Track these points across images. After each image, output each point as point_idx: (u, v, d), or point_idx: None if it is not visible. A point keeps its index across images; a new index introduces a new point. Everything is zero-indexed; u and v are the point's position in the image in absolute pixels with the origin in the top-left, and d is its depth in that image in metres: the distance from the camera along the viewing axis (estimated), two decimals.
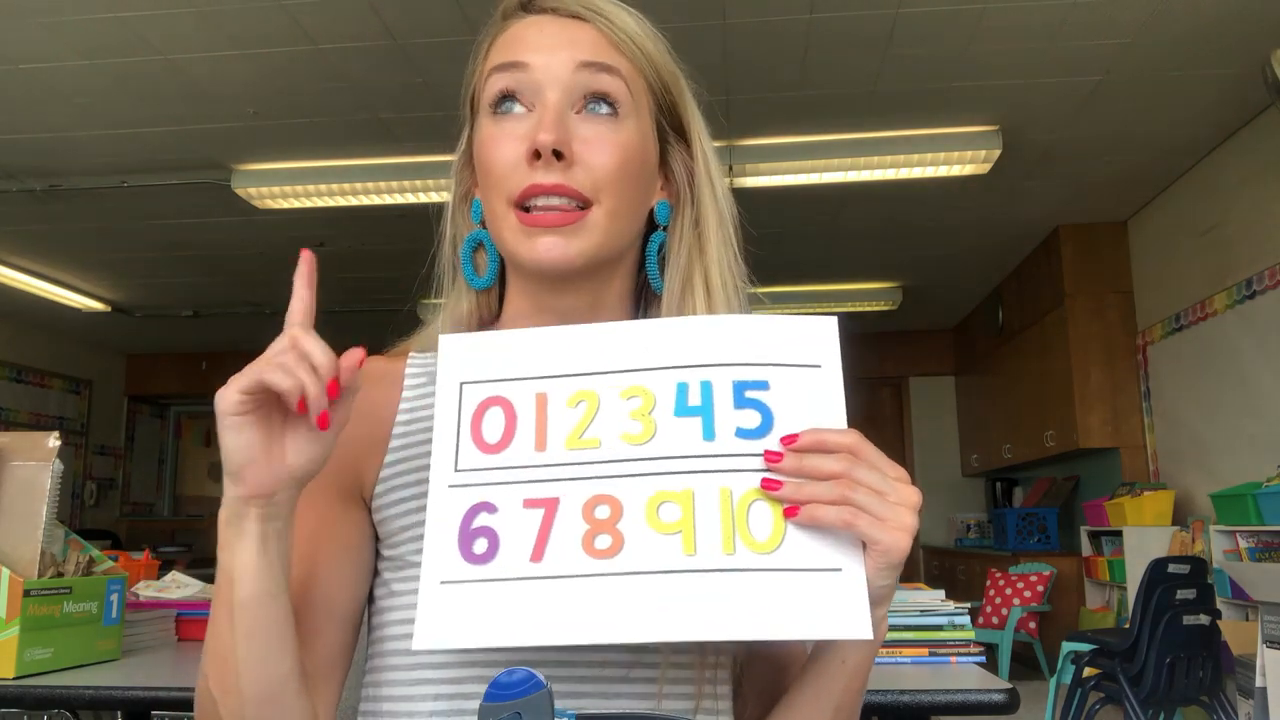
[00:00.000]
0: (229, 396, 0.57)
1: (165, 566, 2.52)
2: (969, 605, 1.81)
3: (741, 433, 0.62)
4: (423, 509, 0.66)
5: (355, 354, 0.60)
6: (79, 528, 7.41)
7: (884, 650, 1.64)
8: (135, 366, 8.99)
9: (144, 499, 9.24)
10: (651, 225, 0.77)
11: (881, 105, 4.00)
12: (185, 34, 3.40)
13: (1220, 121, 4.21)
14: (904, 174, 4.52)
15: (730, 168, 4.35)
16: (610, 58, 0.71)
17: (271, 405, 0.60)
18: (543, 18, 0.73)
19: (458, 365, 0.67)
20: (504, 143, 0.70)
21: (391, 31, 3.40)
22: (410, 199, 4.62)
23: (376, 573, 0.76)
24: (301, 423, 0.60)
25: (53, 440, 1.60)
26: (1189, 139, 4.38)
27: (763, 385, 0.63)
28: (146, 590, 2.05)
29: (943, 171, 4.47)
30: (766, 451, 0.61)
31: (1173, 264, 4.96)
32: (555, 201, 0.69)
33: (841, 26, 3.41)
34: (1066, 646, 4.03)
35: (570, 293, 0.74)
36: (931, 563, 7.92)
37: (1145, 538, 4.56)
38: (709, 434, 0.62)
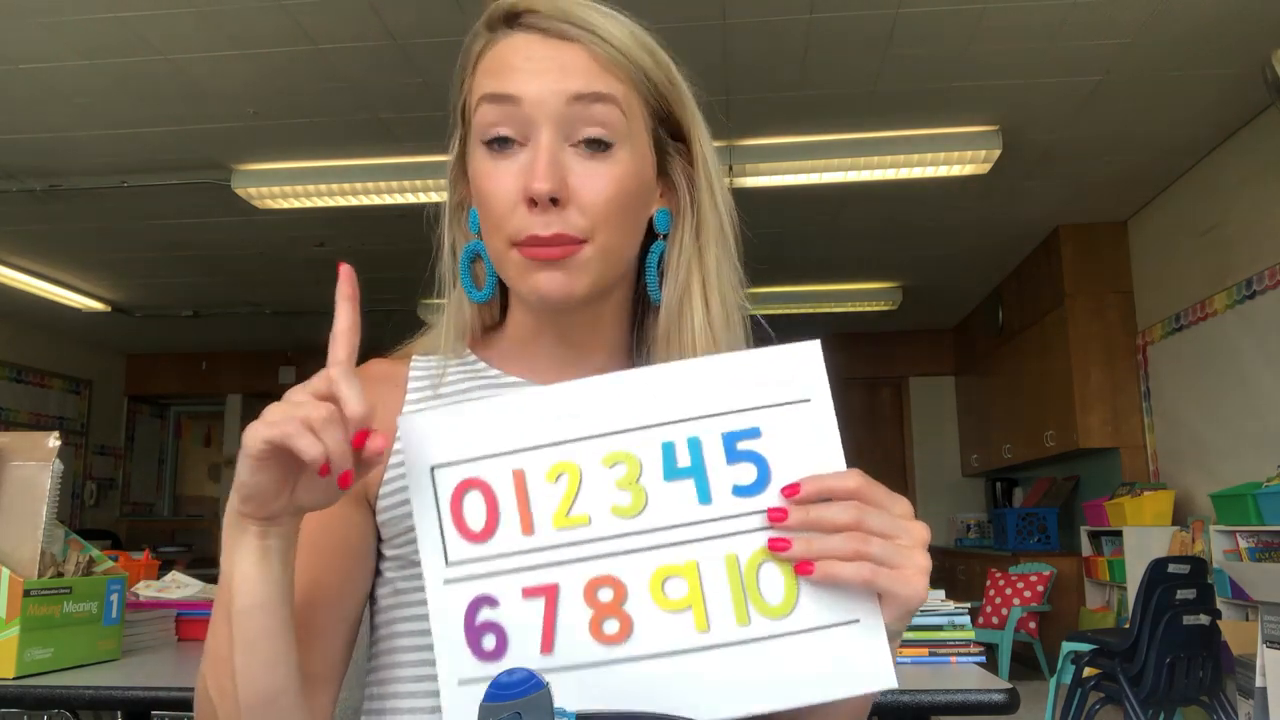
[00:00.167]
0: (255, 441, 0.55)
1: (165, 566, 2.52)
2: (969, 605, 1.81)
3: (739, 490, 0.59)
4: None
5: (379, 441, 0.57)
6: (79, 528, 7.42)
7: None
8: (135, 366, 8.99)
9: (144, 499, 9.24)
10: (650, 232, 0.76)
11: (881, 105, 4.00)
12: (185, 34, 3.40)
13: (1220, 121, 4.21)
14: (904, 174, 4.52)
15: (730, 168, 4.36)
16: (602, 83, 0.69)
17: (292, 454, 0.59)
18: (530, 37, 0.70)
19: (424, 449, 0.62)
20: (500, 180, 0.69)
21: (391, 31, 3.40)
22: (410, 199, 4.63)
23: (378, 573, 0.76)
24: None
25: (53, 440, 1.60)
26: (1189, 139, 4.38)
27: (754, 433, 0.60)
28: (146, 590, 2.05)
29: (943, 171, 4.47)
30: (770, 510, 0.58)
31: (1173, 264, 4.96)
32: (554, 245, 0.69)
33: (841, 26, 3.41)
34: (1066, 646, 4.03)
35: (572, 311, 0.74)
36: (931, 563, 7.92)
37: (1145, 538, 4.56)
38: (704, 497, 0.59)
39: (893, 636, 0.59)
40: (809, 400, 0.60)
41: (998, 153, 4.27)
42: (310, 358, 8.53)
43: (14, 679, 1.51)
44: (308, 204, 4.78)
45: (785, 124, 4.19)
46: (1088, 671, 3.65)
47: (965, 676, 1.60)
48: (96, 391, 8.59)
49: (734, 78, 3.76)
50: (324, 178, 4.55)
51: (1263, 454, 4.00)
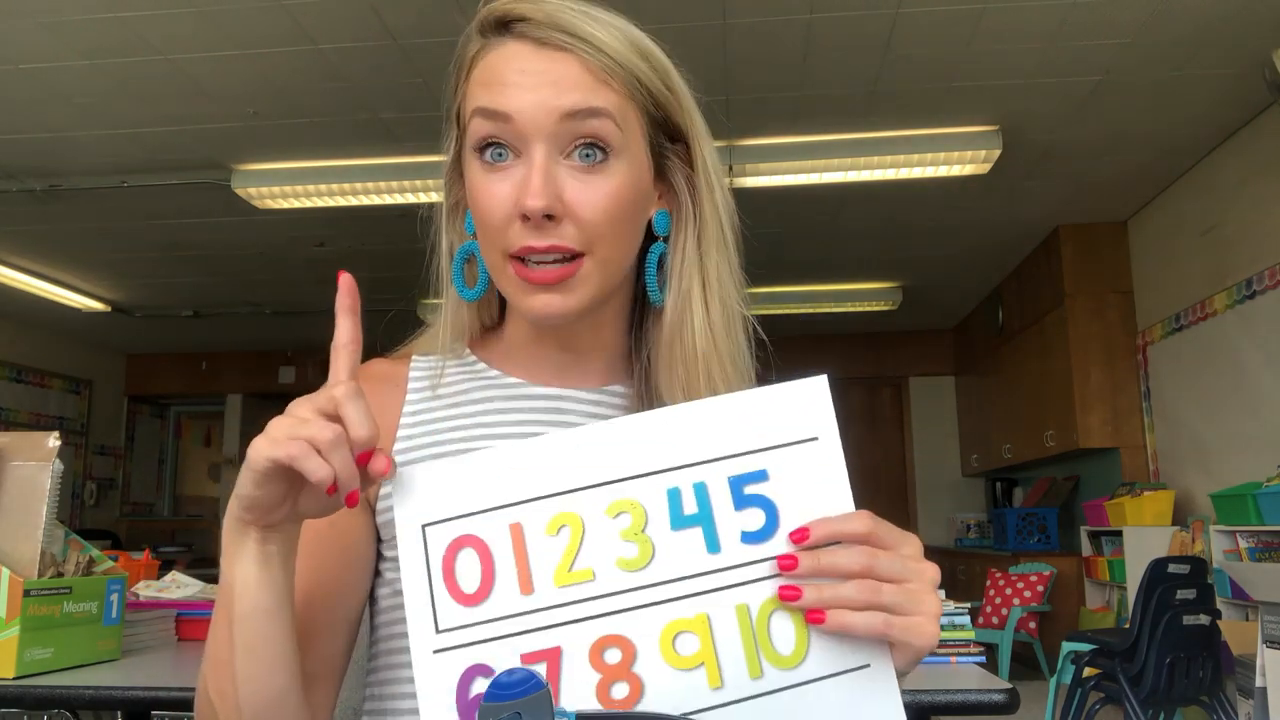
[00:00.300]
0: (259, 459, 0.55)
1: (165, 566, 2.52)
2: (969, 605, 1.81)
3: (748, 537, 0.57)
4: None
5: (383, 462, 0.57)
6: (79, 528, 7.42)
7: None
8: (135, 366, 8.99)
9: (144, 499, 9.24)
10: (650, 235, 0.76)
11: (881, 105, 4.00)
12: (185, 34, 3.40)
13: (1220, 121, 4.21)
14: (904, 174, 4.52)
15: (730, 168, 4.35)
16: (596, 97, 0.68)
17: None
18: (523, 47, 0.69)
19: (414, 505, 0.58)
20: (495, 194, 0.69)
21: (391, 31, 3.40)
22: (410, 199, 4.63)
23: (378, 573, 0.76)
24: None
25: (53, 440, 1.60)
26: (1189, 139, 4.38)
27: (761, 476, 0.58)
28: (146, 590, 2.05)
29: (943, 171, 4.47)
30: (780, 558, 0.57)
31: (1173, 264, 4.96)
32: (549, 259, 0.68)
33: (841, 26, 3.41)
34: (1066, 646, 4.03)
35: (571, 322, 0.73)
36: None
37: (1145, 538, 4.56)
38: (713, 546, 0.57)
39: (901, 678, 0.59)
40: (816, 439, 0.59)
41: (998, 153, 4.27)
42: (310, 358, 8.53)
43: (14, 679, 1.51)
44: (308, 204, 4.78)
45: (785, 124, 4.19)
46: (1088, 671, 3.65)
47: (965, 676, 1.60)
48: (96, 391, 8.59)
49: (734, 78, 3.76)
50: (324, 178, 4.55)
51: (1263, 454, 4.00)
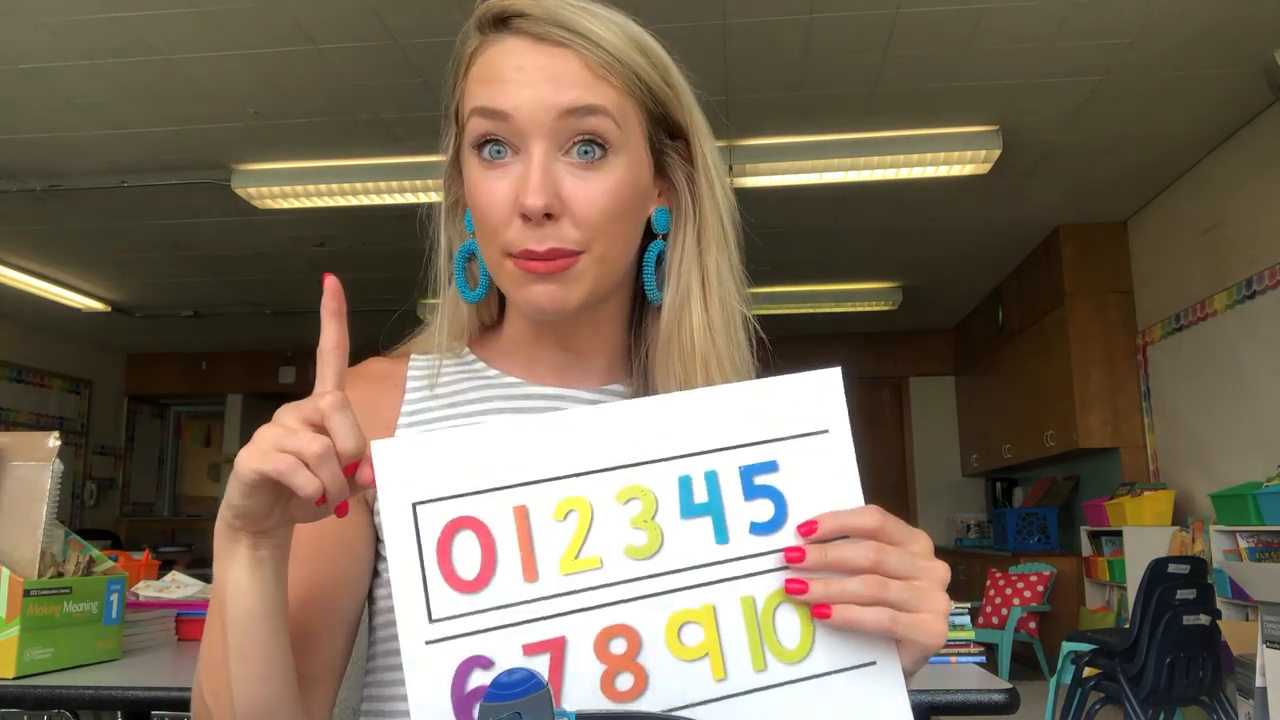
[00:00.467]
0: (247, 471, 0.54)
1: (165, 566, 2.51)
2: (969, 605, 1.81)
3: (756, 528, 0.56)
4: None
5: (369, 472, 0.55)
6: (79, 528, 7.42)
7: None
8: (135, 366, 8.99)
9: (144, 499, 9.24)
10: (649, 232, 0.75)
11: (881, 105, 4.00)
12: (185, 34, 3.40)
13: (1220, 121, 4.21)
14: (904, 174, 4.52)
15: (730, 168, 4.35)
16: (594, 94, 0.68)
17: None
18: (521, 43, 0.69)
19: (404, 481, 0.54)
20: (493, 192, 0.69)
21: (391, 31, 3.40)
22: (410, 199, 4.63)
23: (376, 573, 0.75)
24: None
25: (53, 440, 1.60)
26: (1189, 139, 4.38)
27: (771, 467, 0.57)
28: (146, 590, 2.05)
29: (943, 171, 4.47)
30: (787, 550, 0.56)
31: (1172, 264, 4.96)
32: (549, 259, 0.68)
33: (841, 26, 3.41)
34: (1066, 646, 4.03)
35: (569, 318, 0.73)
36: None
37: (1145, 538, 4.56)
38: (721, 536, 0.56)
39: (908, 677, 0.59)
40: (827, 431, 0.58)
41: (998, 153, 4.27)
42: (310, 358, 8.36)
43: (14, 679, 1.51)
44: (308, 204, 4.78)
45: (785, 124, 4.19)
46: (1088, 671, 3.65)
47: (965, 676, 1.60)
48: (96, 391, 8.59)
49: (734, 78, 3.76)
50: (324, 178, 4.55)
51: (1263, 454, 4.00)
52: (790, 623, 0.56)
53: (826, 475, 0.58)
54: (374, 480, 0.55)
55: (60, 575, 1.61)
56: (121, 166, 4.56)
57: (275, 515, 0.58)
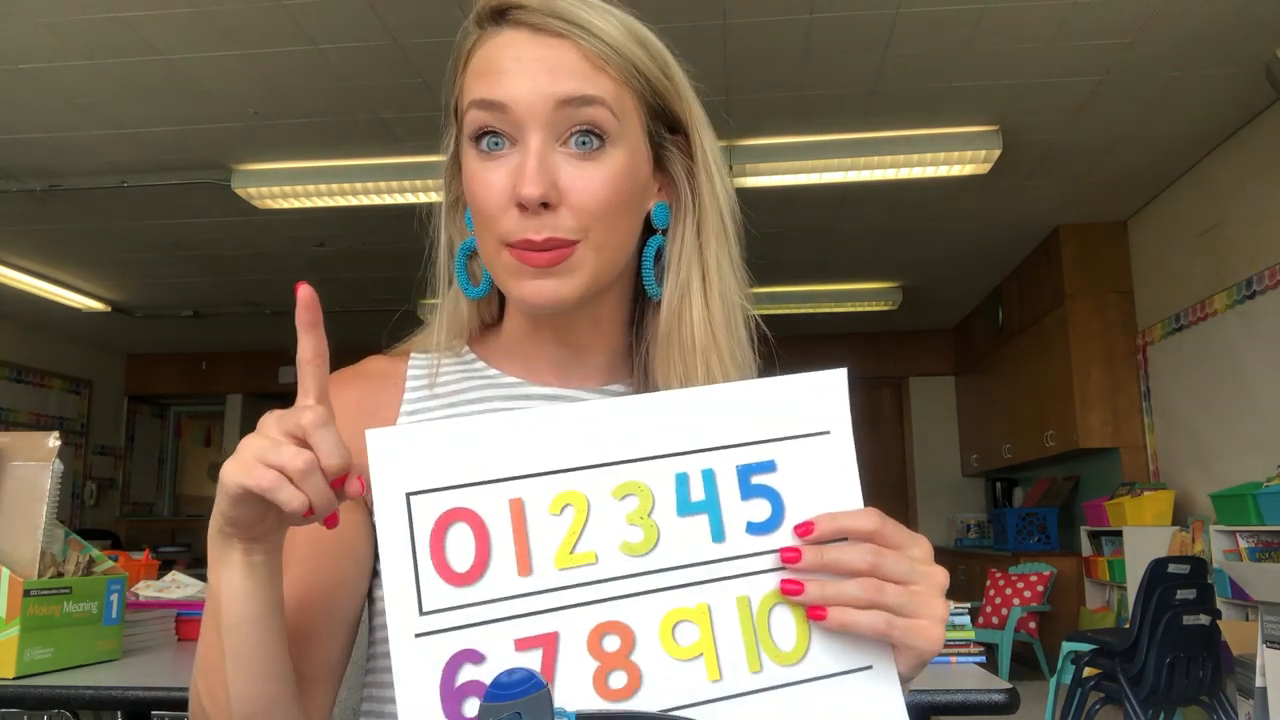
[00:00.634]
0: (232, 484, 0.53)
1: (165, 566, 2.51)
2: (969, 605, 1.81)
3: (753, 528, 0.56)
4: None
5: (356, 485, 0.55)
6: (79, 528, 7.42)
7: None
8: (135, 366, 8.99)
9: (144, 499, 9.24)
10: (648, 227, 0.75)
11: (881, 105, 4.00)
12: (185, 34, 3.40)
13: (1220, 121, 4.21)
14: (904, 174, 4.52)
15: (730, 168, 4.35)
16: (592, 84, 0.67)
17: None
18: (518, 34, 0.69)
19: (398, 471, 0.53)
20: (490, 183, 0.68)
21: (391, 31, 3.40)
22: (410, 199, 4.63)
23: (375, 573, 0.75)
24: None
25: (53, 440, 1.60)
26: (1189, 139, 4.38)
27: (769, 467, 0.57)
28: (146, 590, 2.05)
29: (943, 171, 4.47)
30: (783, 551, 0.56)
31: (1172, 264, 4.96)
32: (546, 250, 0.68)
33: (841, 26, 3.41)
34: (1066, 646, 4.03)
35: (568, 312, 0.72)
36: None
37: (1145, 538, 4.56)
38: (718, 535, 0.55)
39: (905, 682, 0.58)
40: (829, 433, 0.58)
41: (998, 153, 4.27)
42: None
43: (14, 679, 1.51)
44: (308, 204, 4.78)
45: (785, 124, 4.19)
46: (1088, 671, 3.65)
47: (965, 676, 1.60)
48: (96, 391, 8.59)
49: (734, 78, 3.76)
50: (324, 178, 4.55)
51: (1263, 454, 4.00)
52: (786, 624, 0.56)
53: (826, 477, 0.57)
54: (363, 492, 0.54)
55: (60, 575, 1.61)
56: (121, 166, 4.56)
57: (266, 523, 0.57)
